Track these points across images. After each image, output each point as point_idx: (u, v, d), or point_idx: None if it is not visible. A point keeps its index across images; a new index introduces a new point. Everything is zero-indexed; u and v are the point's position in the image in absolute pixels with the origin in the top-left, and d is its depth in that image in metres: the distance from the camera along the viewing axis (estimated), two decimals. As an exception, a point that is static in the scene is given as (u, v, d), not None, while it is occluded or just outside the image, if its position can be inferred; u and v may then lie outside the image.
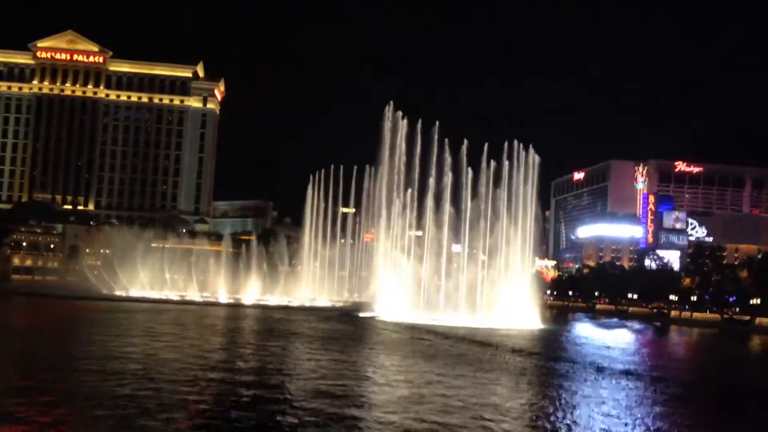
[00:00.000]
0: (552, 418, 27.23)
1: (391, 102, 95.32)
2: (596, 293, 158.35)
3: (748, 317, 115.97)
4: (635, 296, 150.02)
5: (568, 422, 26.83)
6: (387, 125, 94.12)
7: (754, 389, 34.76)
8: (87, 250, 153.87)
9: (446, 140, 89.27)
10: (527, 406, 30.11)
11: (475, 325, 69.37)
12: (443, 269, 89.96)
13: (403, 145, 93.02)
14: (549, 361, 44.89)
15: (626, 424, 26.80)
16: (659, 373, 41.56)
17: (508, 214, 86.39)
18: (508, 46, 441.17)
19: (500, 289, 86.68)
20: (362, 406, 27.62)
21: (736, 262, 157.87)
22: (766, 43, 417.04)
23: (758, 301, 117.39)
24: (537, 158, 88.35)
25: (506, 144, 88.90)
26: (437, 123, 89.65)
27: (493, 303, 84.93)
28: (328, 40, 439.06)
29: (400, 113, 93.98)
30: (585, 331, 77.53)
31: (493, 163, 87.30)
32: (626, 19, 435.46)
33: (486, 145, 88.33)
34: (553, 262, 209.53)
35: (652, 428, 26.95)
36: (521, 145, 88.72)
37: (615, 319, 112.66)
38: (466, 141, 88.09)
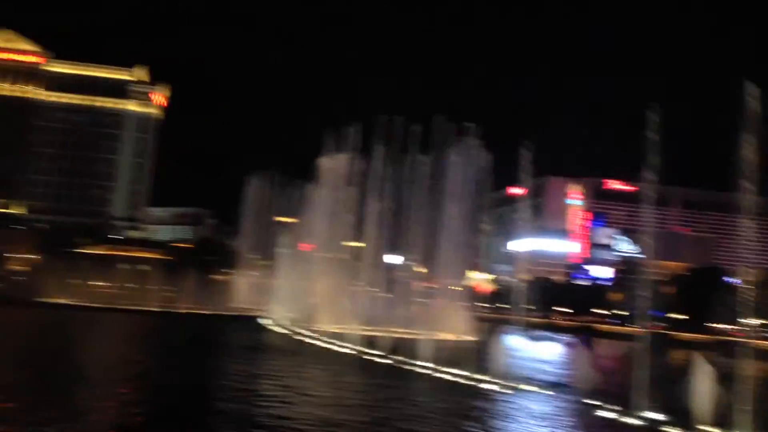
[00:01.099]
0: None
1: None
2: (529, 307, 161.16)
3: (672, 331, 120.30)
4: (567, 310, 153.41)
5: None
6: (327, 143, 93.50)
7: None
8: (11, 255, 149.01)
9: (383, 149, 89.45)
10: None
11: (409, 336, 69.79)
12: (381, 280, 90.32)
13: (342, 156, 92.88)
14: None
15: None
16: (571, 383, 42.53)
17: (445, 226, 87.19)
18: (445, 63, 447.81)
19: (435, 300, 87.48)
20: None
21: (664, 279, 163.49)
22: (708, 70, 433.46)
23: (682, 316, 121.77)
24: (477, 171, 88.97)
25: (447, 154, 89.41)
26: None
27: (428, 314, 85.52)
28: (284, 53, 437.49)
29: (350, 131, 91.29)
30: (514, 343, 78.60)
31: (431, 177, 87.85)
32: (572, 33, 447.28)
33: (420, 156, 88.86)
34: (489, 275, 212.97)
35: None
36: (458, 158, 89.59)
37: (546, 332, 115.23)
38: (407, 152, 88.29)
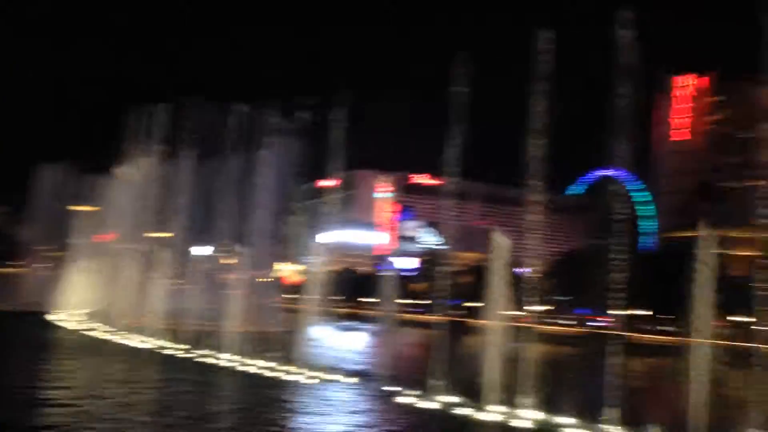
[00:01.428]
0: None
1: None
2: (337, 297, 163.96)
3: (471, 319, 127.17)
4: (373, 300, 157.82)
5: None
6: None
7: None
8: None
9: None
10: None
11: (214, 329, 67.98)
12: (187, 272, 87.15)
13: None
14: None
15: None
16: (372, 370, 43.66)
17: (251, 217, 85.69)
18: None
19: (242, 292, 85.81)
20: None
21: (463, 269, 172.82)
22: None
23: (479, 303, 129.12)
24: (285, 163, 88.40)
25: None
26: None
27: (234, 306, 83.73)
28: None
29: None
30: (320, 333, 79.37)
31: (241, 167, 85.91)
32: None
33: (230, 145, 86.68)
34: (298, 267, 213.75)
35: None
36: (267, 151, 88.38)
37: (352, 322, 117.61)
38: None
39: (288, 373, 43.13)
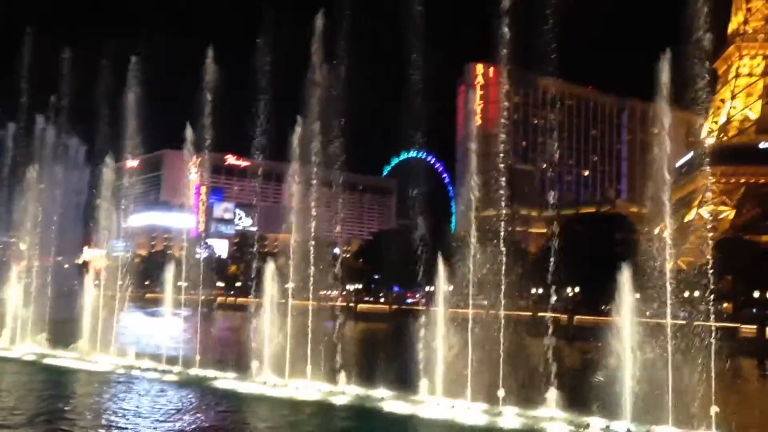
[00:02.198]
0: None
1: None
2: (147, 282, 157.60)
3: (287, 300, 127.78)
4: (186, 284, 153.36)
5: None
6: None
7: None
8: None
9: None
10: None
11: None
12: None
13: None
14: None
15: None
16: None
17: (50, 202, 79.95)
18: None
19: (41, 279, 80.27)
20: None
21: (275, 250, 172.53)
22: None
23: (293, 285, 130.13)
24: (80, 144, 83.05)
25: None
26: None
27: (33, 294, 78.17)
28: None
29: None
30: (131, 320, 76.42)
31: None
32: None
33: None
34: (104, 251, 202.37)
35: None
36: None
37: (165, 307, 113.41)
38: None
39: (95, 363, 41.41)
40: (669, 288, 26.84)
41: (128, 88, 52.43)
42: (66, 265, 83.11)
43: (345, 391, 32.67)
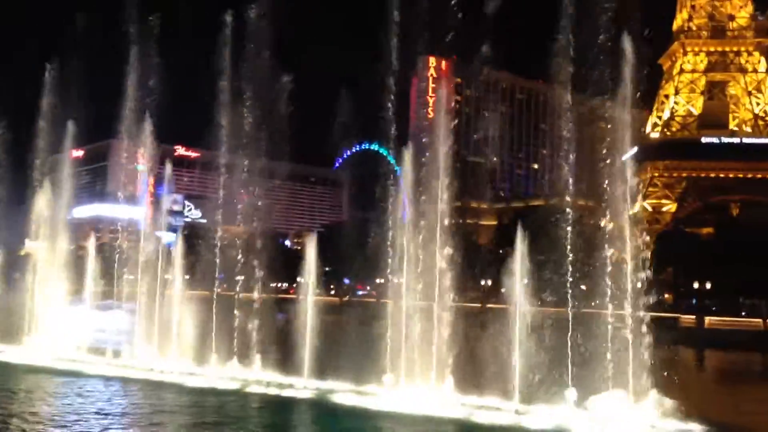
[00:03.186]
0: None
1: None
2: (94, 276, 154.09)
3: (241, 293, 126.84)
4: (134, 277, 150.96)
5: None
6: None
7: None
8: None
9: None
10: None
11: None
12: None
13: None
14: None
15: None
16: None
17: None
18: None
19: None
20: None
21: (225, 242, 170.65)
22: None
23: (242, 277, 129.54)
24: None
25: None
26: None
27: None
28: None
29: None
30: (76, 313, 75.15)
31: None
32: None
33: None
34: (47, 243, 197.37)
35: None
36: None
37: (112, 301, 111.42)
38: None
39: (33, 358, 40.60)
40: (609, 279, 27.75)
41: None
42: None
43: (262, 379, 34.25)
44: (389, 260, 32.43)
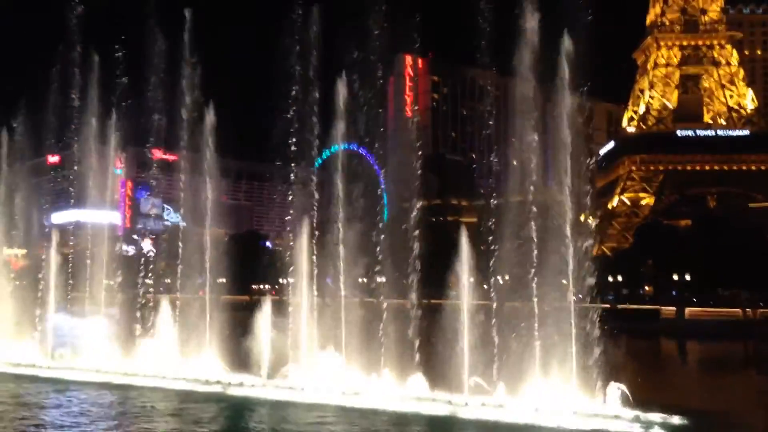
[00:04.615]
0: None
1: None
2: (71, 281, 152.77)
3: (223, 295, 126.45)
4: (114, 282, 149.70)
5: None
6: None
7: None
8: None
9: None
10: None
11: None
12: None
13: None
14: None
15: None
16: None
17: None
18: None
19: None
20: None
21: (204, 246, 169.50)
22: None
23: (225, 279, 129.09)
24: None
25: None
26: None
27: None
28: None
29: None
30: (53, 320, 74.43)
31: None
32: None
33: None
34: (24, 250, 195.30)
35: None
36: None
37: (91, 307, 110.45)
38: None
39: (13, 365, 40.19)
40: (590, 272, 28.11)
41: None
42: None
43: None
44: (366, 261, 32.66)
